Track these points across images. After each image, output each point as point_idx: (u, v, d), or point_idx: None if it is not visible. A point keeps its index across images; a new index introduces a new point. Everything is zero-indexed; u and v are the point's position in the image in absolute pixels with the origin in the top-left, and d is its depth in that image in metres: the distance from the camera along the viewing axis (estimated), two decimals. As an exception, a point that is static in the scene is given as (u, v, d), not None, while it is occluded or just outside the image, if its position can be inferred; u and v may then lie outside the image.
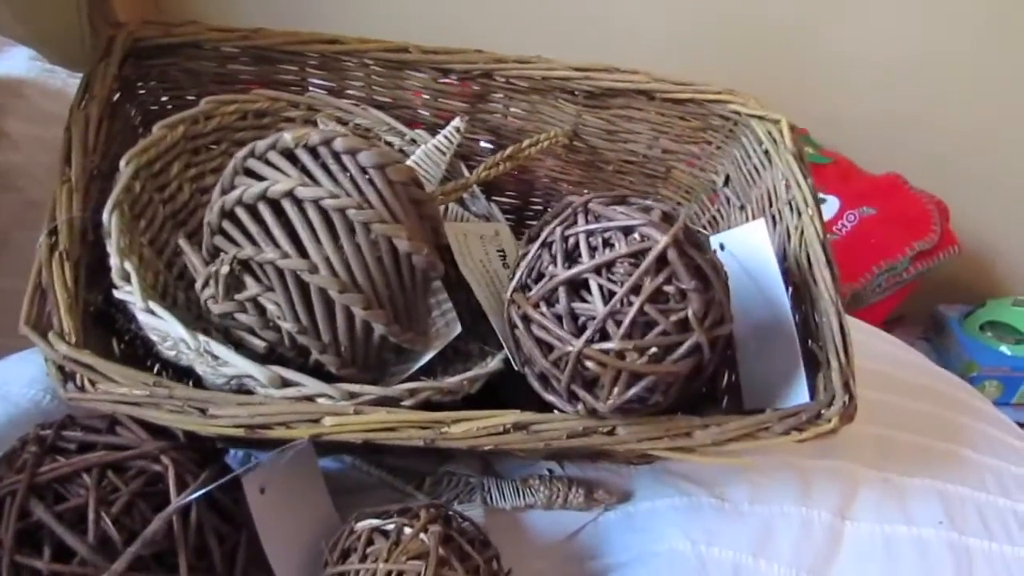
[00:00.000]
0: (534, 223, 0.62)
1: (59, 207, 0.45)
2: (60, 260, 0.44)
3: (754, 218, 0.62)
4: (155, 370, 0.52)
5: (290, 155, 0.46)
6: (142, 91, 0.56)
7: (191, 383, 0.49)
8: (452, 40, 0.58)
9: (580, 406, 0.45)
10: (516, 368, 0.47)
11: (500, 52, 0.59)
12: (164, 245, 0.51)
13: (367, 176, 0.44)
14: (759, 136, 0.61)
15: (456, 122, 0.59)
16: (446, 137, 0.59)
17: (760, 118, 0.61)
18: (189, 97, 0.56)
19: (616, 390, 0.43)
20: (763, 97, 0.62)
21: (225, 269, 0.44)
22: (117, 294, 0.44)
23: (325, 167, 0.45)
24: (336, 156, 0.45)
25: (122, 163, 0.47)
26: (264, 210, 0.44)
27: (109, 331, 0.48)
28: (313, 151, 0.45)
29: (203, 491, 0.43)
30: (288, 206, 0.44)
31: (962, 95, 1.40)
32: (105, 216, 0.45)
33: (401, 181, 0.45)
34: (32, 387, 0.55)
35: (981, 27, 1.29)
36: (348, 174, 0.45)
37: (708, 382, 0.56)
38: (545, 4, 1.18)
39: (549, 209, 0.50)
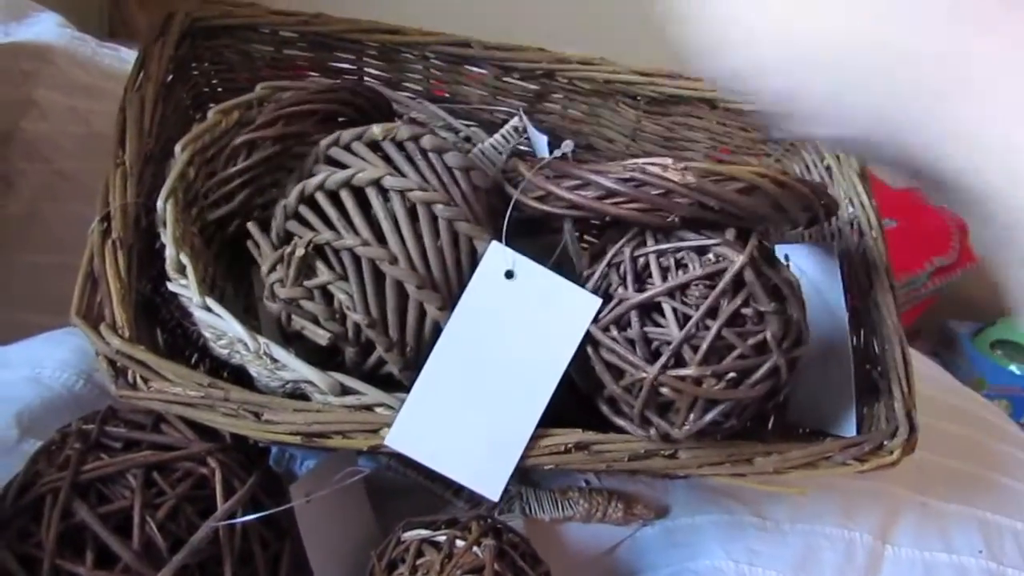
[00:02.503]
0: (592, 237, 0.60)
1: (113, 192, 0.43)
2: (113, 248, 0.42)
3: (811, 235, 0.60)
4: (194, 360, 0.50)
5: (376, 147, 0.44)
6: (195, 72, 0.53)
7: (226, 374, 0.48)
8: (515, 38, 0.56)
9: (652, 431, 0.43)
10: (583, 391, 0.46)
11: (562, 51, 0.57)
12: (213, 235, 0.49)
13: (452, 176, 0.43)
14: (821, 152, 0.59)
15: (515, 121, 0.57)
16: (504, 136, 0.57)
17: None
18: (241, 80, 0.54)
19: (692, 416, 0.42)
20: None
21: (300, 252, 0.42)
22: (171, 287, 0.42)
23: (411, 161, 0.43)
24: (423, 153, 0.43)
25: (178, 148, 0.45)
26: (346, 197, 0.43)
27: (154, 321, 0.46)
28: (400, 145, 0.44)
29: (261, 508, 0.41)
30: (373, 195, 0.43)
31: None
32: (160, 204, 0.43)
33: (484, 187, 0.43)
34: (65, 371, 0.53)
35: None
36: (434, 171, 0.43)
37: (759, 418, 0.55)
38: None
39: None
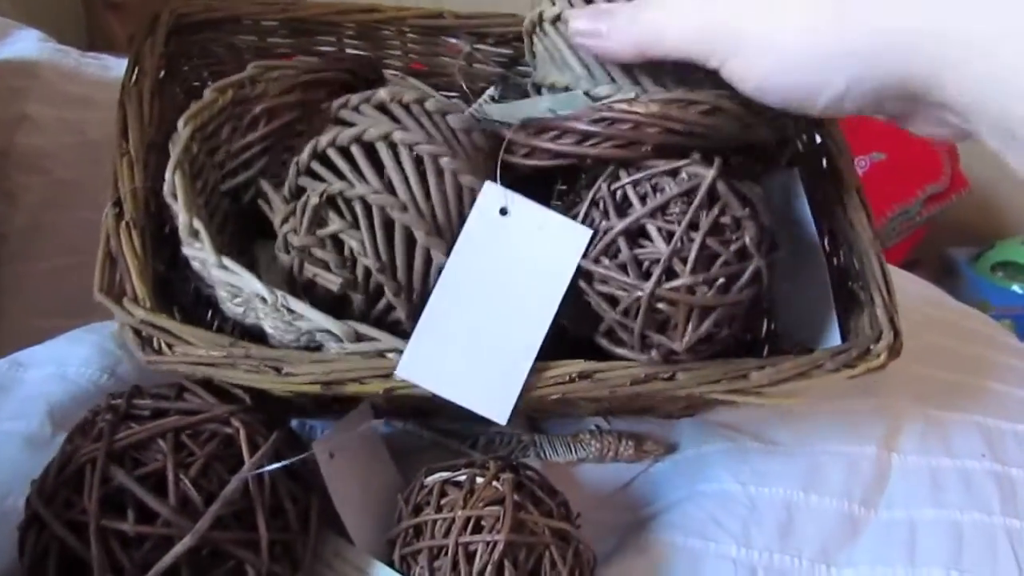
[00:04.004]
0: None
1: (121, 179, 0.46)
2: (127, 229, 0.45)
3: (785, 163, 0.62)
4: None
5: (383, 109, 0.48)
6: (185, 68, 0.56)
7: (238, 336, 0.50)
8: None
9: (653, 352, 0.46)
10: (580, 333, 0.48)
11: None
12: (215, 208, 0.52)
13: (455, 135, 0.46)
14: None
15: (491, 91, 0.59)
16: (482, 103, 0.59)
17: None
18: (229, 72, 0.56)
19: (690, 327, 0.44)
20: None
21: (314, 201, 0.45)
22: (187, 251, 0.44)
23: (417, 121, 0.47)
24: (428, 114, 0.47)
25: (180, 124, 0.48)
26: (357, 152, 0.46)
27: (168, 299, 0.49)
28: (406, 107, 0.47)
29: (278, 463, 0.43)
30: (382, 149, 0.46)
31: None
32: (168, 175, 0.46)
33: (483, 148, 0.46)
34: (89, 367, 0.56)
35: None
36: (439, 130, 0.47)
37: (748, 331, 0.57)
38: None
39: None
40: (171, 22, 0.53)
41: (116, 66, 0.92)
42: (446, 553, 0.44)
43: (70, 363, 0.56)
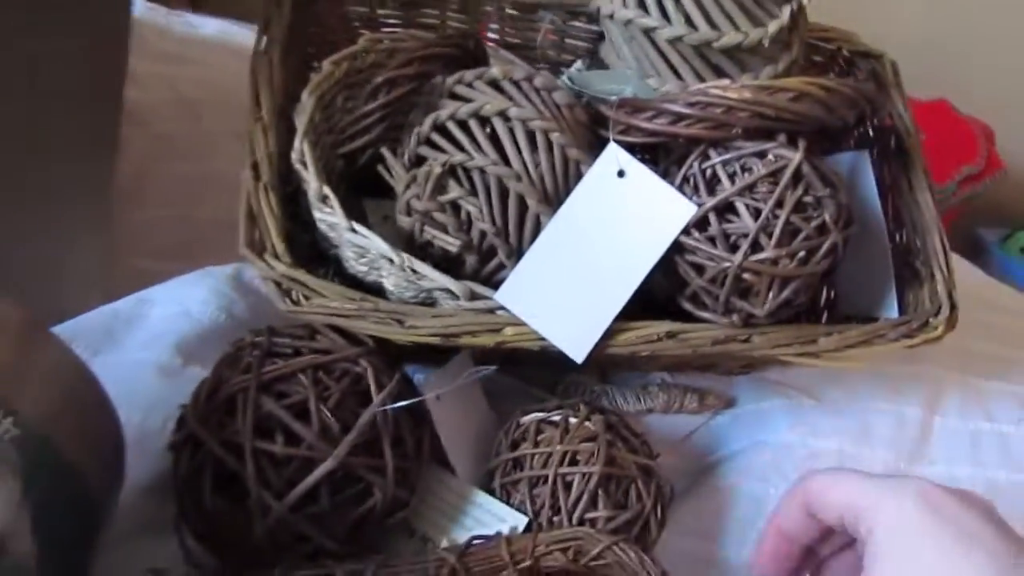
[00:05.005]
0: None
1: (256, 143, 0.50)
2: (265, 191, 0.49)
3: (855, 141, 0.66)
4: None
5: (495, 84, 0.52)
6: (301, 36, 0.60)
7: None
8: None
9: (734, 317, 0.51)
10: (667, 293, 0.53)
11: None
12: (331, 170, 0.57)
13: (559, 111, 0.50)
14: (863, 73, 0.65)
15: (579, 64, 0.64)
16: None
17: (864, 55, 0.65)
18: (339, 40, 0.61)
19: (771, 294, 0.49)
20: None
21: (437, 170, 0.50)
22: (317, 214, 0.49)
23: (527, 97, 0.51)
24: (536, 90, 0.52)
25: (304, 95, 0.53)
26: (474, 125, 0.51)
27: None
28: (516, 84, 0.52)
29: (403, 400, 0.49)
30: (498, 123, 0.51)
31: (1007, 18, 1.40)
32: (297, 143, 0.50)
33: (584, 122, 0.51)
34: (208, 306, 0.61)
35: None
36: (546, 106, 0.52)
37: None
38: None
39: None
40: (294, -9, 0.57)
41: (200, 24, 0.96)
42: (545, 482, 0.50)
43: (192, 302, 0.61)
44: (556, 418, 0.52)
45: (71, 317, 0.60)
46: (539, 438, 0.52)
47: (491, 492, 0.53)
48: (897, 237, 0.61)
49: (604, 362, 0.66)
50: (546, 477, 0.50)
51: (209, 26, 0.96)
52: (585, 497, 0.49)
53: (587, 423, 0.51)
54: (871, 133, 0.64)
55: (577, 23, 0.64)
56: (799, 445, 0.61)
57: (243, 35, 0.91)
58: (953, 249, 0.59)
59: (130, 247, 0.74)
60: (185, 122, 0.84)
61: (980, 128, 1.45)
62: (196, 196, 0.77)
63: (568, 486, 0.49)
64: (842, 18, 0.73)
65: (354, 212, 0.60)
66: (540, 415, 0.53)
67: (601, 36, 0.66)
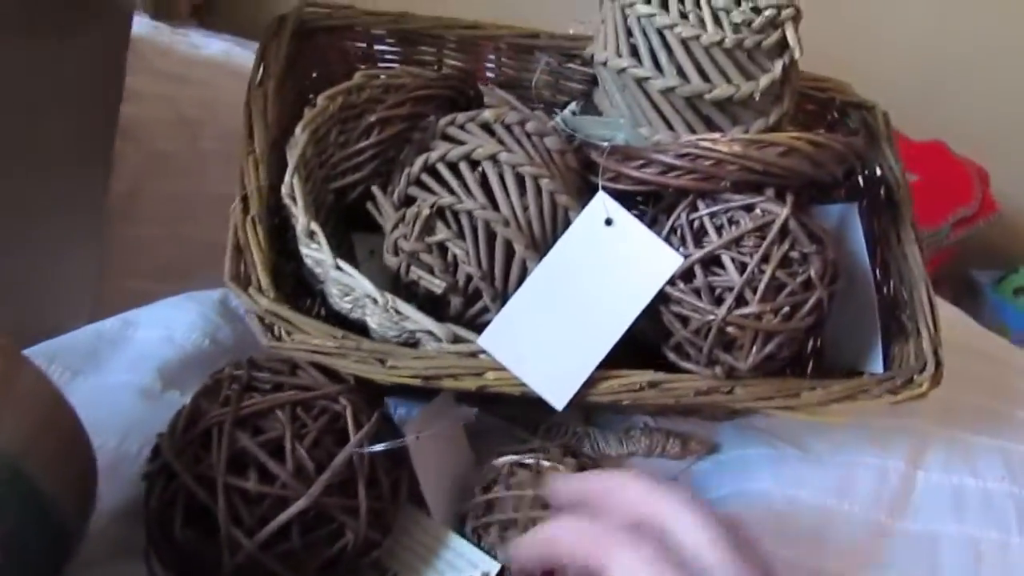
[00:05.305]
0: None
1: (248, 176, 0.51)
2: (253, 224, 0.49)
3: (845, 191, 0.67)
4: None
5: (487, 128, 0.53)
6: (298, 69, 0.60)
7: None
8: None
9: (717, 368, 0.51)
10: (651, 342, 0.53)
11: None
12: (320, 204, 0.57)
13: (551, 156, 0.51)
14: (855, 123, 0.65)
15: (572, 105, 0.64)
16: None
17: (857, 106, 0.65)
18: (337, 74, 0.61)
19: (755, 349, 0.49)
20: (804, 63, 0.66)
21: (426, 211, 0.50)
22: (305, 251, 0.49)
23: (518, 141, 0.52)
24: (528, 135, 0.52)
25: (298, 131, 0.53)
26: (464, 168, 0.51)
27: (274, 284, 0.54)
28: (508, 128, 0.53)
29: (381, 440, 0.49)
30: (488, 167, 0.51)
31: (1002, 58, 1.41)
32: (287, 178, 0.50)
33: (575, 168, 0.51)
34: (193, 332, 0.61)
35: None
36: (537, 151, 0.52)
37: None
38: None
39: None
40: (295, 25, 0.58)
41: (203, 44, 0.97)
42: (516, 525, 0.49)
43: (177, 327, 0.61)
44: (529, 461, 0.52)
45: (59, 333, 0.60)
46: (511, 481, 0.52)
47: (464, 535, 0.52)
48: (884, 289, 0.61)
49: (588, 405, 0.66)
50: (517, 520, 0.49)
51: (213, 46, 0.96)
52: (557, 545, 0.48)
53: (559, 466, 0.51)
54: (861, 183, 0.64)
55: (573, 65, 0.65)
56: (780, 495, 0.61)
57: (246, 57, 0.92)
58: (947, 291, 0.59)
59: (120, 264, 0.74)
60: (182, 141, 0.84)
61: (975, 170, 1.45)
62: (188, 215, 0.77)
63: (541, 532, 0.49)
64: (838, 56, 0.74)
65: (342, 244, 0.60)
66: (513, 457, 0.53)
67: (595, 80, 0.66)
